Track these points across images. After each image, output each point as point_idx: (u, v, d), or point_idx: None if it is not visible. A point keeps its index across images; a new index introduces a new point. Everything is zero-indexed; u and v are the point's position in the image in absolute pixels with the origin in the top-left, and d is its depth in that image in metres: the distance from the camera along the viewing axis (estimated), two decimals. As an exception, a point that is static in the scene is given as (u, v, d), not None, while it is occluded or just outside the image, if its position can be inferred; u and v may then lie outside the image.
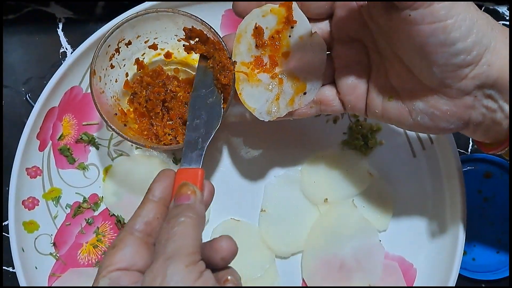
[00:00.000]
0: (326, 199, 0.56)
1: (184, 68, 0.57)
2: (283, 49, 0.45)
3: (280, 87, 0.46)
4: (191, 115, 0.47)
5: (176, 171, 0.40)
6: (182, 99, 0.54)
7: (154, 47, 0.54)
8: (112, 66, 0.51)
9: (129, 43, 0.51)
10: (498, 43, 0.37)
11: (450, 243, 0.54)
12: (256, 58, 0.46)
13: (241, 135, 0.58)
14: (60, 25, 0.60)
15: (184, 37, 0.52)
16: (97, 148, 0.56)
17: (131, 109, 0.54)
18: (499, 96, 0.38)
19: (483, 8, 0.62)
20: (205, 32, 0.50)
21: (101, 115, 0.47)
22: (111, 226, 0.55)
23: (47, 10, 0.60)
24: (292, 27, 0.44)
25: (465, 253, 0.57)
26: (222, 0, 0.57)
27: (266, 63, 0.46)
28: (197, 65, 0.51)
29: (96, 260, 0.54)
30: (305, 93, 0.46)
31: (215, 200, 0.56)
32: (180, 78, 0.56)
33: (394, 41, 0.40)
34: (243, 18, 0.45)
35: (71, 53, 0.58)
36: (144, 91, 0.54)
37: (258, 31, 0.45)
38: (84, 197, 0.55)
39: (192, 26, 0.50)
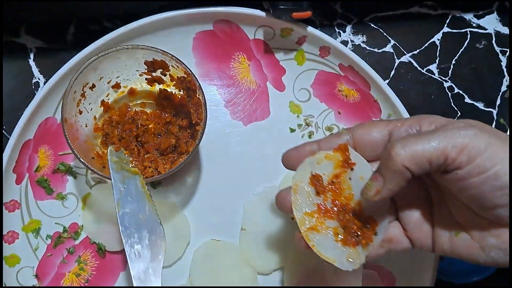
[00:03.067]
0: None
1: (149, 101, 0.58)
2: (345, 192, 0.43)
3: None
4: (127, 242, 0.40)
5: None
6: (154, 131, 0.55)
7: (117, 86, 0.55)
8: (80, 112, 0.52)
9: (93, 86, 0.52)
10: None
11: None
12: (319, 206, 0.43)
13: (215, 155, 0.59)
14: (32, 55, 0.60)
15: (146, 70, 0.53)
16: (75, 177, 0.57)
17: (106, 151, 0.54)
18: None
19: (450, 16, 0.64)
20: (167, 62, 0.50)
21: (81, 160, 0.47)
22: (92, 254, 0.55)
23: (18, 40, 0.60)
24: (352, 169, 0.43)
25: (441, 258, 0.58)
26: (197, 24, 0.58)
27: (330, 209, 0.43)
28: (109, 163, 0.45)
29: (80, 289, 0.54)
30: (375, 234, 0.43)
31: (195, 221, 0.57)
32: (148, 112, 0.56)
33: (451, 190, 0.39)
34: (294, 169, 0.44)
35: (44, 83, 0.59)
36: (116, 130, 0.55)
37: (316, 178, 0.43)
38: (64, 227, 0.55)
39: (153, 58, 0.51)
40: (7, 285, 0.52)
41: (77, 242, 0.55)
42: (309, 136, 0.60)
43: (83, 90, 0.51)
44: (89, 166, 0.47)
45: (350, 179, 0.43)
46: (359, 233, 0.42)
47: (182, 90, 0.54)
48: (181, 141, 0.54)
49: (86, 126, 0.53)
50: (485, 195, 0.36)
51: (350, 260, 0.42)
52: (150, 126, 0.56)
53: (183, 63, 0.49)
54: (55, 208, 0.56)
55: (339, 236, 0.42)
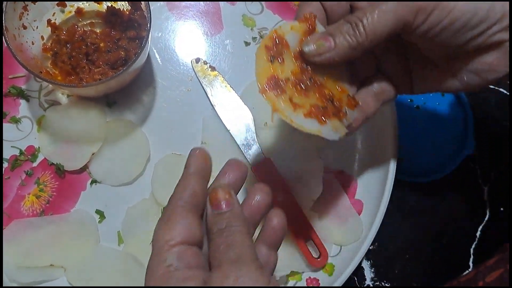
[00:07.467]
0: (266, 123, 0.58)
1: (98, 21, 0.56)
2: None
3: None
4: (229, 124, 0.56)
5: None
6: (104, 49, 0.54)
7: (63, 4, 0.54)
8: (24, 27, 0.50)
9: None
10: None
11: (384, 152, 0.56)
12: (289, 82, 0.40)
13: (169, 73, 0.58)
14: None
15: None
16: (28, 100, 0.56)
17: (57, 72, 0.53)
18: None
19: None
20: None
21: (25, 67, 0.46)
22: (51, 176, 0.55)
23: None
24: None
25: (402, 159, 0.59)
26: None
27: (296, 83, 0.40)
28: (195, 73, 0.55)
29: (41, 210, 0.54)
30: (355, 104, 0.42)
31: (154, 138, 0.57)
32: (98, 31, 0.55)
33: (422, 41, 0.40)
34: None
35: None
36: (64, 48, 0.54)
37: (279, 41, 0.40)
38: (21, 150, 0.54)
39: None
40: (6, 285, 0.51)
41: (35, 164, 0.55)
42: (261, 37, 0.60)
43: (24, 2, 0.49)
44: (33, 72, 0.47)
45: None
46: (335, 103, 0.40)
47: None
48: (131, 53, 0.53)
49: (33, 44, 0.52)
50: (449, 40, 0.38)
51: (334, 130, 0.40)
52: (101, 45, 0.55)
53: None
54: (9, 131, 0.55)
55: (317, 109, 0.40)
